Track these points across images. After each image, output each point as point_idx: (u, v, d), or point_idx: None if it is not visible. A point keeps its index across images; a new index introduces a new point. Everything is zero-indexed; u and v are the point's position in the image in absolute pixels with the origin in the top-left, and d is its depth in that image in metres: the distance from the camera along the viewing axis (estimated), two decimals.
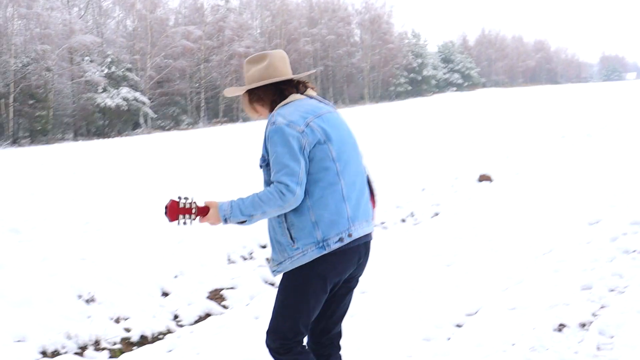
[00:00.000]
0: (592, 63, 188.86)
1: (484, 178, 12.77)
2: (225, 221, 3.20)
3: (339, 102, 70.46)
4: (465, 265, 6.95)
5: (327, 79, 70.71)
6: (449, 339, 5.00)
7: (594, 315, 5.24)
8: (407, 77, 79.69)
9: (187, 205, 3.24)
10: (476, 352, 4.66)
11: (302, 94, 3.42)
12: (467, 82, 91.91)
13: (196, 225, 3.34)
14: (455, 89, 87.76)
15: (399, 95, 77.96)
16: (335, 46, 70.04)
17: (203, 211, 3.28)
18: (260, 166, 3.33)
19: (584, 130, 21.72)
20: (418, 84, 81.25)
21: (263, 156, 3.29)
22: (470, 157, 15.40)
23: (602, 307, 5.39)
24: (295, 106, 3.31)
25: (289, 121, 3.20)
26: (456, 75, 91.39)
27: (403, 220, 9.93)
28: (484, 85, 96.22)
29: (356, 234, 3.27)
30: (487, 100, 52.76)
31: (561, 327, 5.02)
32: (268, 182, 3.27)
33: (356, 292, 3.63)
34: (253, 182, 12.52)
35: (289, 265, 3.26)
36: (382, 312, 5.58)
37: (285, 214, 3.21)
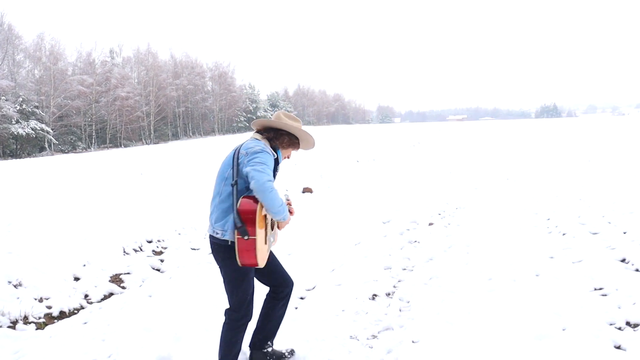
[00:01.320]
0: (372, 110, 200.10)
1: (306, 190, 12.90)
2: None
3: (196, 134, 69.60)
4: (301, 253, 6.92)
5: (187, 117, 70.30)
6: (296, 308, 4.92)
7: (394, 287, 5.40)
8: (245, 117, 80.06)
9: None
10: (317, 317, 4.62)
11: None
12: None
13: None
14: None
15: (239, 130, 78.52)
16: (193, 93, 69.75)
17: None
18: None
19: (371, 156, 22.79)
20: None
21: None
22: (296, 175, 15.52)
23: (399, 281, 5.58)
24: None
25: None
26: None
27: None
28: None
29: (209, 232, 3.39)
30: None
31: (374, 296, 5.13)
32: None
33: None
34: (127, 185, 11.81)
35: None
36: None
37: None
